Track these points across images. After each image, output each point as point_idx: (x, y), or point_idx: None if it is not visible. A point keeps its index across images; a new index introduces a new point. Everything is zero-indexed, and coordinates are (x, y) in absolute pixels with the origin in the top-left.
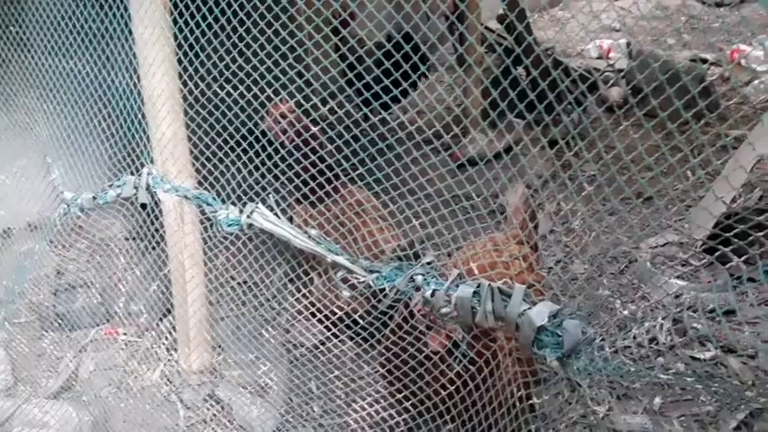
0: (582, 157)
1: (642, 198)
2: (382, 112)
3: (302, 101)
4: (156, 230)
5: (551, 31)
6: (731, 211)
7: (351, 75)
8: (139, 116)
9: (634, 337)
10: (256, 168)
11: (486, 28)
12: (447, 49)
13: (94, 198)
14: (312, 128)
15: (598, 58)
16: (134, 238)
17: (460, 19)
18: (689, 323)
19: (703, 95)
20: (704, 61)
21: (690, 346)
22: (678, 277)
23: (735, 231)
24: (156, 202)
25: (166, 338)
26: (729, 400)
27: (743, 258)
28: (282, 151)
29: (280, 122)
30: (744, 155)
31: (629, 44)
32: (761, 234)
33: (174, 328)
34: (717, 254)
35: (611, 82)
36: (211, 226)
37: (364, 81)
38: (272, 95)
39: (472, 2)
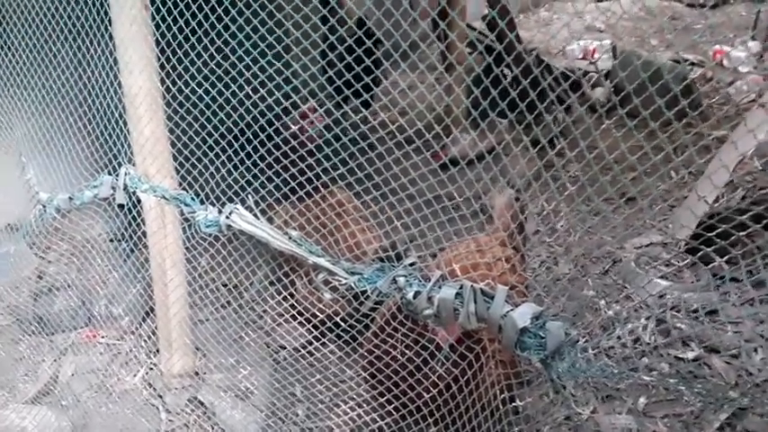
0: (565, 156)
1: (625, 198)
2: (363, 110)
3: (281, 99)
4: (135, 232)
5: (536, 31)
6: (714, 210)
7: (332, 55)
8: (117, 115)
9: (618, 338)
10: (236, 168)
11: (469, 26)
12: (430, 48)
13: (71, 199)
14: (307, 128)
15: (582, 58)
16: (116, 240)
17: (443, 16)
18: (672, 323)
19: (685, 95)
20: (686, 61)
21: (674, 346)
22: (662, 277)
23: (717, 231)
24: (135, 203)
25: (146, 341)
26: (713, 399)
27: (725, 258)
28: (277, 152)
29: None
30: (727, 154)
31: (612, 44)
32: (743, 234)
33: (155, 330)
34: (699, 254)
35: (595, 81)
36: (190, 227)
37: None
38: (250, 93)
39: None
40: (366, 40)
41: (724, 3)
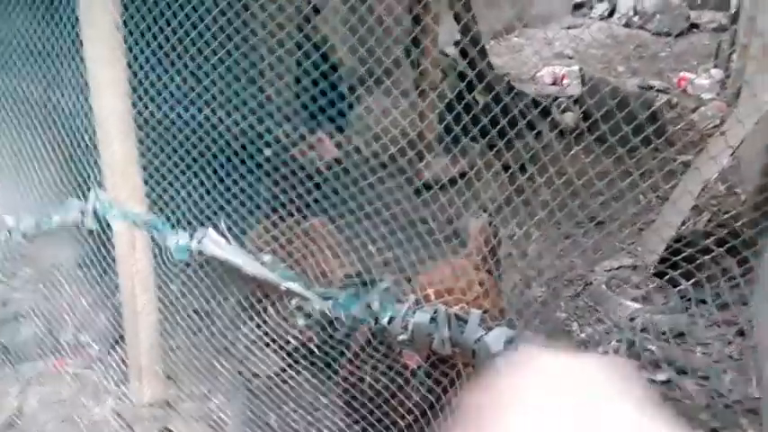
0: (535, 181)
1: (596, 221)
2: (337, 134)
3: (256, 122)
4: (105, 257)
5: (507, 57)
6: (680, 234)
7: (316, 73)
8: (86, 138)
9: None
10: (208, 191)
11: (443, 53)
12: (403, 74)
13: (38, 224)
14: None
15: (551, 84)
16: (84, 266)
17: (416, 43)
18: (644, 346)
19: (651, 121)
20: (652, 88)
21: (646, 367)
22: (632, 300)
23: (684, 254)
24: (104, 227)
25: (117, 370)
26: (684, 420)
27: (692, 281)
28: (299, 176)
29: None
30: (691, 180)
31: (581, 70)
32: (709, 257)
33: (125, 358)
34: (667, 277)
35: (564, 107)
36: (162, 252)
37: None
38: (229, 112)
39: (428, 26)
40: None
41: (688, 32)
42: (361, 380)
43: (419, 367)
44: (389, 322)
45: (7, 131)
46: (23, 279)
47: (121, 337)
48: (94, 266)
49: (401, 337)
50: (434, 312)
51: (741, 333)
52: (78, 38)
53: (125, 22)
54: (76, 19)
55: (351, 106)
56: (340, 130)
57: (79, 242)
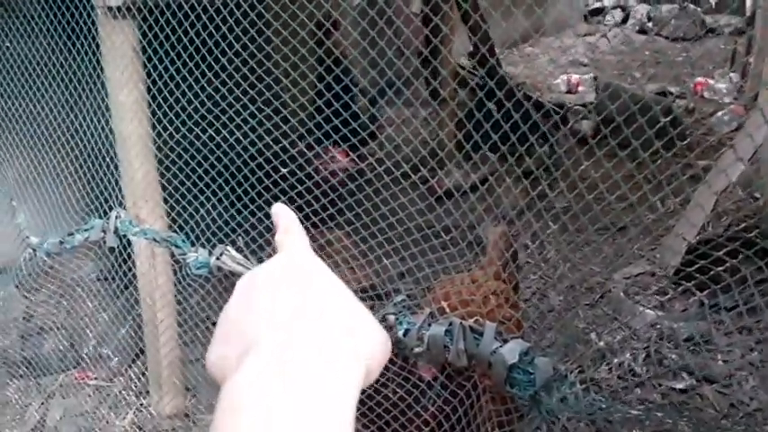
0: (555, 187)
1: (615, 228)
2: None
3: (280, 138)
4: (127, 271)
5: (521, 66)
6: (702, 238)
7: (337, 88)
8: (108, 158)
9: (611, 370)
10: (230, 206)
11: (458, 64)
12: (420, 85)
13: (61, 242)
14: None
15: (567, 92)
16: (105, 279)
17: (434, 54)
18: (664, 353)
19: (671, 126)
20: (669, 94)
21: (666, 376)
22: (652, 307)
23: (707, 259)
24: (126, 243)
25: (137, 382)
26: (705, 429)
27: (719, 286)
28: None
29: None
30: (713, 183)
31: (596, 78)
32: (733, 261)
33: (145, 371)
34: (693, 282)
35: (582, 115)
36: (180, 268)
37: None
38: (248, 132)
39: (446, 37)
40: (344, 78)
41: (704, 36)
42: (378, 391)
43: (435, 379)
44: (405, 335)
45: (32, 154)
46: (46, 294)
47: (142, 350)
48: (115, 281)
49: (417, 350)
50: (449, 325)
51: (763, 340)
52: (99, 63)
53: (144, 48)
54: (97, 45)
55: (372, 118)
56: (362, 142)
57: (101, 258)
